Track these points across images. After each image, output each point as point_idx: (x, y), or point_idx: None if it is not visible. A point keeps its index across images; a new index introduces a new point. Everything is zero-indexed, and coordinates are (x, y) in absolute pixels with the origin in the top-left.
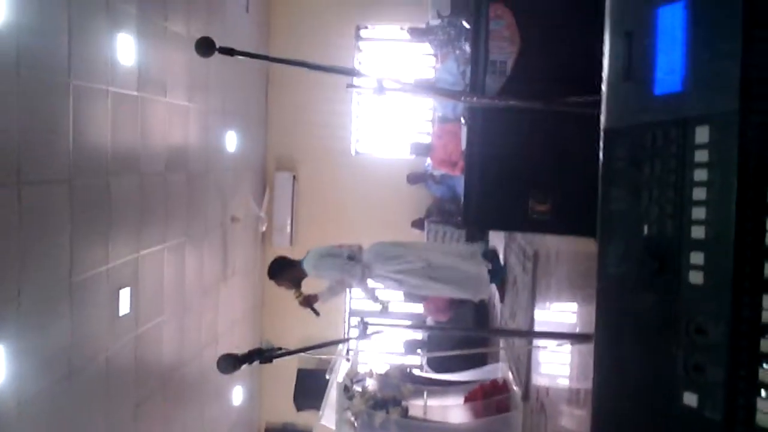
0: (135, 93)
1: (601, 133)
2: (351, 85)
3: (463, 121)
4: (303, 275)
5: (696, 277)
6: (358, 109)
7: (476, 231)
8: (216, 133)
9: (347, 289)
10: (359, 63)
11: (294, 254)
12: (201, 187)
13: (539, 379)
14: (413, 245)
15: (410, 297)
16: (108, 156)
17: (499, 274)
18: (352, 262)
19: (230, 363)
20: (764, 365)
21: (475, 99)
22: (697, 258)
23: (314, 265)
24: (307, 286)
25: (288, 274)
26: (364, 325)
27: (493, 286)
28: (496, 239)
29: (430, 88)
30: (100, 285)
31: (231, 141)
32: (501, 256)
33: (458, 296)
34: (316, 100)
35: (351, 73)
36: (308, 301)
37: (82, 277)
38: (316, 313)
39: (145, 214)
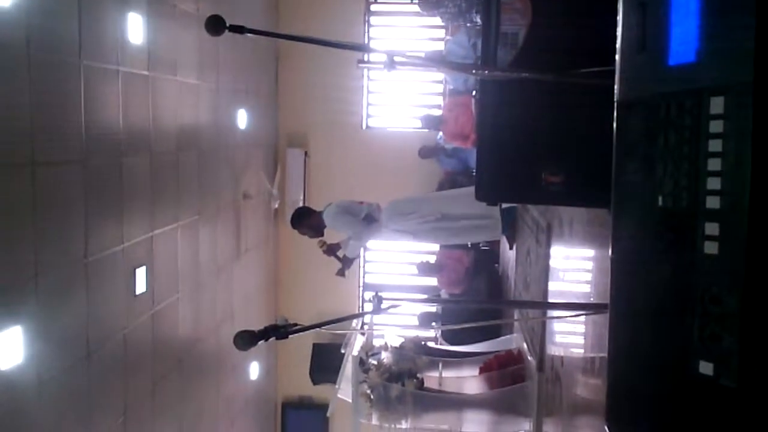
0: (145, 72)
1: (615, 105)
2: (362, 62)
3: (474, 94)
4: (323, 225)
5: (711, 248)
6: (369, 84)
7: (488, 204)
8: (227, 111)
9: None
10: (369, 38)
11: None
12: (213, 166)
13: (554, 349)
14: (426, 198)
15: (424, 270)
16: (120, 136)
17: (510, 216)
18: (366, 224)
19: (247, 339)
20: None
21: (486, 72)
22: (712, 228)
23: (333, 217)
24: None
25: (308, 222)
26: (379, 300)
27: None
28: None
29: (441, 61)
30: (115, 264)
31: (242, 119)
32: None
33: (474, 240)
34: (326, 76)
35: (361, 48)
36: (331, 249)
37: (98, 257)
38: (339, 259)
39: (158, 193)
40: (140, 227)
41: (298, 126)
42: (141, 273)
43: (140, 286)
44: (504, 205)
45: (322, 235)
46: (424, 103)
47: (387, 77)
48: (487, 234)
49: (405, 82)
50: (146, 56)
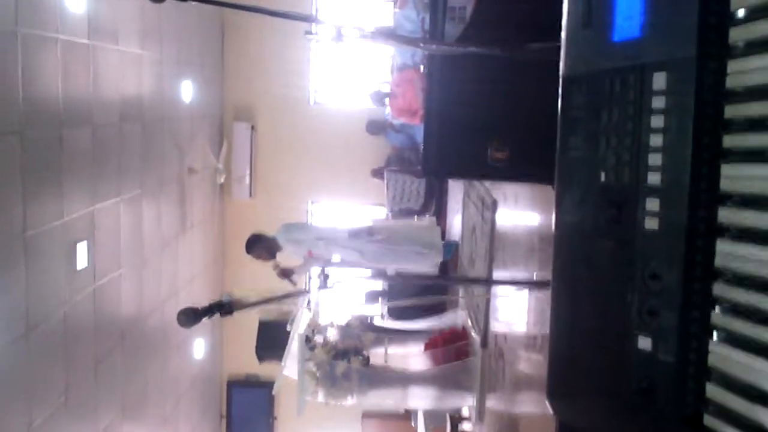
0: (86, 41)
1: (560, 80)
2: (309, 32)
3: (422, 68)
4: (277, 248)
5: (651, 223)
6: (317, 58)
7: (435, 180)
8: (171, 82)
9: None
10: (317, 9)
11: (254, 206)
12: (157, 139)
13: (497, 326)
14: (377, 224)
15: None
16: (60, 107)
17: (451, 248)
18: (315, 239)
19: (190, 316)
20: (716, 309)
21: (434, 46)
22: (652, 204)
23: (285, 238)
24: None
25: (262, 246)
26: (325, 277)
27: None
28: (456, 188)
29: (389, 35)
30: (55, 239)
31: (187, 91)
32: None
33: (415, 267)
34: (273, 48)
35: (308, 19)
36: (285, 273)
37: (37, 231)
38: (293, 283)
39: (100, 166)
40: (81, 201)
41: (245, 99)
42: (82, 248)
43: (81, 261)
44: (445, 240)
45: (275, 257)
46: (372, 78)
47: (335, 51)
48: (428, 262)
49: (353, 56)
50: (86, 24)
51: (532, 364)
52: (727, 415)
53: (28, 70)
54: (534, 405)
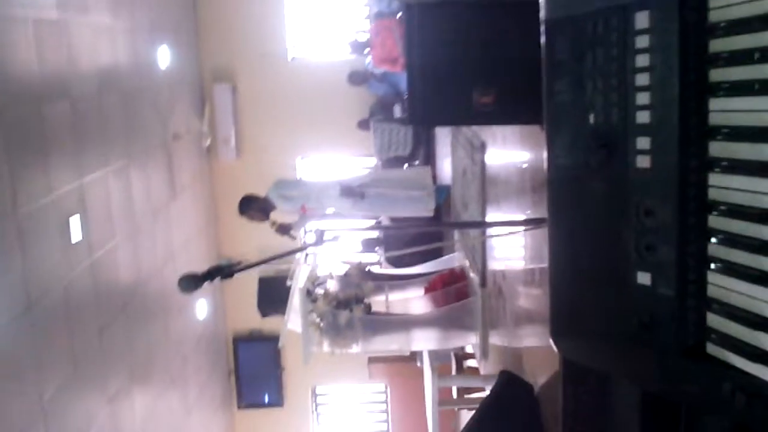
0: (55, 16)
1: (542, 24)
2: None
3: (399, 15)
4: (271, 207)
5: (643, 161)
6: (292, 11)
7: (422, 128)
8: (146, 49)
9: (315, 217)
10: None
11: (242, 166)
12: (138, 108)
13: (495, 264)
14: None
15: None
16: (37, 83)
17: (443, 192)
18: (308, 192)
19: (191, 282)
20: (712, 240)
21: None
22: (643, 142)
23: (276, 193)
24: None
25: (255, 208)
26: (320, 233)
27: None
28: (443, 133)
29: None
30: (47, 215)
31: (164, 57)
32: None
33: (408, 212)
34: (247, 5)
35: None
36: (283, 229)
37: (28, 208)
38: (292, 237)
39: (84, 140)
40: (69, 175)
41: (223, 60)
42: (75, 221)
43: (76, 235)
44: (437, 184)
45: (269, 217)
46: (350, 28)
47: (310, 3)
48: (420, 207)
49: (328, 7)
50: None
51: (531, 298)
52: (729, 342)
53: (2, 48)
54: (536, 338)
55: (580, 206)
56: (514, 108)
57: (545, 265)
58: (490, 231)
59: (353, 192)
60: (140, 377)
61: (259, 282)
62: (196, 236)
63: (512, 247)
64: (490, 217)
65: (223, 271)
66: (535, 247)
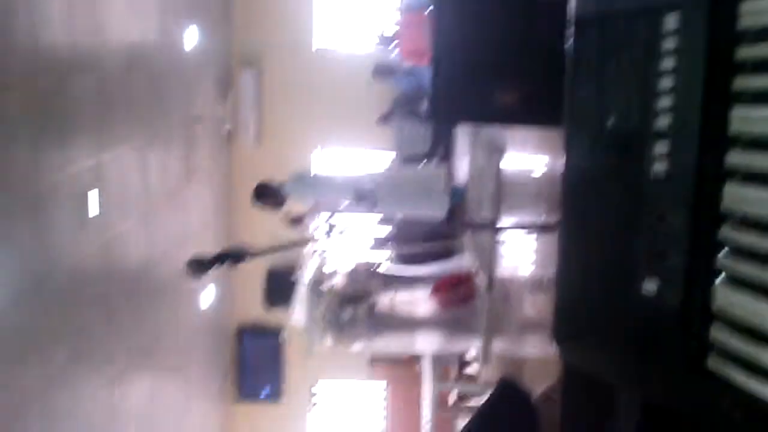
0: None
1: (571, 22)
2: None
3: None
4: (284, 198)
5: (660, 167)
6: (323, 2)
7: (442, 126)
8: (176, 28)
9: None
10: None
11: (261, 153)
12: (163, 87)
13: (503, 269)
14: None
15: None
16: (64, 55)
17: (459, 194)
18: (324, 188)
19: (199, 266)
20: (722, 251)
21: None
22: (661, 147)
23: (293, 187)
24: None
25: (270, 197)
26: (331, 226)
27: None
28: (462, 132)
29: None
30: (63, 190)
31: (193, 37)
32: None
33: (423, 213)
34: None
35: None
36: (295, 221)
37: (46, 181)
38: (305, 230)
39: (105, 116)
40: (88, 151)
41: (251, 45)
42: (93, 196)
43: (93, 210)
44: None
45: (282, 206)
46: (379, 21)
47: None
48: (435, 208)
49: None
50: None
51: (537, 306)
52: (730, 356)
53: (33, 15)
54: (539, 347)
55: (593, 208)
56: (536, 109)
57: (553, 273)
58: (501, 234)
59: (366, 197)
60: (144, 361)
61: (268, 274)
62: (210, 221)
63: (522, 253)
64: (503, 220)
65: (232, 256)
66: (544, 255)
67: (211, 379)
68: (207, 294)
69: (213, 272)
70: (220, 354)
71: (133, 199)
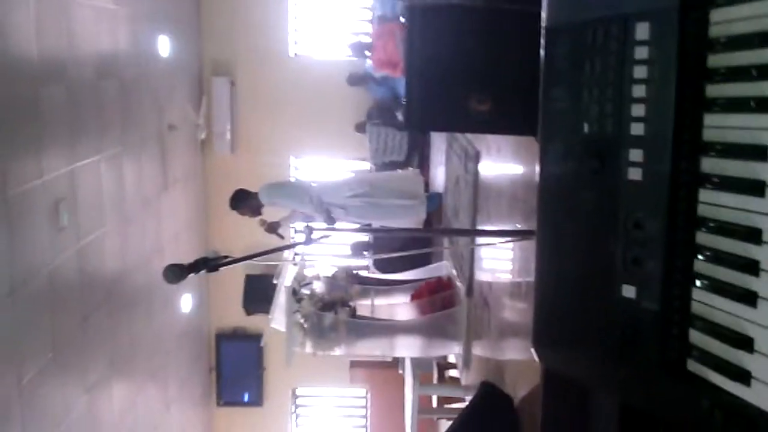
0: None
1: (542, 31)
2: None
3: (402, 19)
4: (261, 205)
5: (635, 174)
6: (295, 9)
7: (418, 132)
8: (147, 37)
9: (301, 215)
10: None
11: (236, 161)
12: (135, 95)
13: (482, 275)
14: (359, 176)
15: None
16: (34, 64)
17: (435, 200)
18: (305, 193)
19: (176, 273)
20: (699, 257)
21: None
22: (636, 155)
23: (268, 194)
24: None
25: (246, 203)
26: (310, 231)
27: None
28: (439, 140)
29: None
30: (37, 198)
31: (164, 46)
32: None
33: (400, 221)
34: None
35: None
36: (272, 227)
37: (17, 190)
38: (281, 237)
39: (78, 125)
40: (61, 160)
41: (223, 53)
42: (64, 206)
43: (63, 220)
44: (429, 191)
45: (261, 214)
46: (352, 30)
47: (314, 2)
48: (412, 215)
49: (332, 6)
50: None
51: (516, 311)
52: (710, 360)
53: (1, 26)
54: (519, 352)
55: (569, 215)
56: (510, 117)
57: (532, 279)
58: (479, 240)
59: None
60: (120, 368)
61: (246, 279)
62: (186, 229)
63: (500, 260)
64: (480, 228)
65: (209, 263)
66: (523, 261)
67: (191, 384)
68: (185, 301)
69: (191, 278)
70: (199, 360)
71: (108, 207)
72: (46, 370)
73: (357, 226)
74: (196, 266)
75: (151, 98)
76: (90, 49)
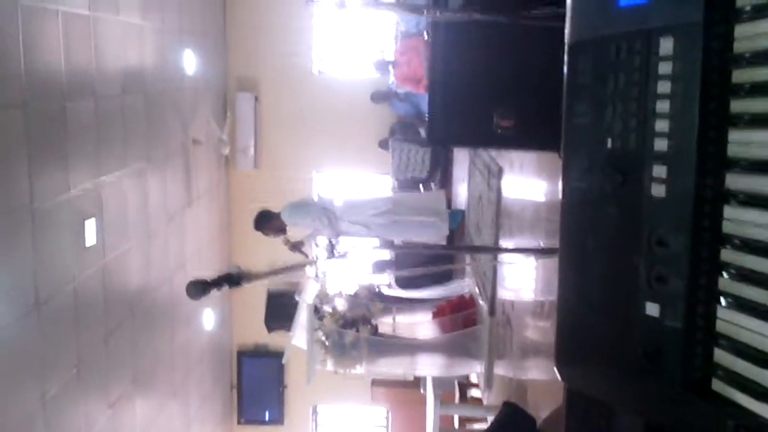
0: (86, 12)
1: (565, 47)
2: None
3: (426, 36)
4: (284, 225)
5: (658, 190)
6: (320, 26)
7: (441, 149)
8: (173, 53)
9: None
10: None
11: (260, 177)
12: (160, 111)
13: (505, 294)
14: (381, 197)
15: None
16: (62, 79)
17: (457, 217)
18: (322, 213)
19: (199, 288)
20: (724, 275)
21: (438, 13)
22: (659, 171)
23: (289, 214)
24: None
25: (270, 224)
26: (332, 247)
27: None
28: (461, 156)
29: (393, 2)
30: (63, 213)
31: (189, 61)
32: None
33: (422, 238)
34: (276, 17)
35: None
36: (296, 247)
37: (44, 205)
38: (306, 255)
39: (104, 139)
40: (87, 174)
41: (248, 69)
42: (90, 224)
43: (90, 238)
44: (451, 208)
45: (285, 233)
46: (376, 47)
47: (338, 19)
48: (434, 232)
49: (356, 24)
50: None
51: (539, 331)
52: (735, 380)
53: (30, 43)
54: (541, 371)
55: (592, 232)
56: (533, 133)
57: (555, 298)
58: (501, 258)
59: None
60: (143, 384)
61: (268, 296)
62: (209, 245)
63: (523, 278)
64: (502, 245)
65: (232, 279)
66: (546, 280)
67: (212, 402)
68: (207, 317)
69: (213, 295)
70: (221, 377)
71: (133, 223)
72: (69, 386)
73: (379, 242)
74: (219, 282)
75: (175, 113)
76: (117, 64)
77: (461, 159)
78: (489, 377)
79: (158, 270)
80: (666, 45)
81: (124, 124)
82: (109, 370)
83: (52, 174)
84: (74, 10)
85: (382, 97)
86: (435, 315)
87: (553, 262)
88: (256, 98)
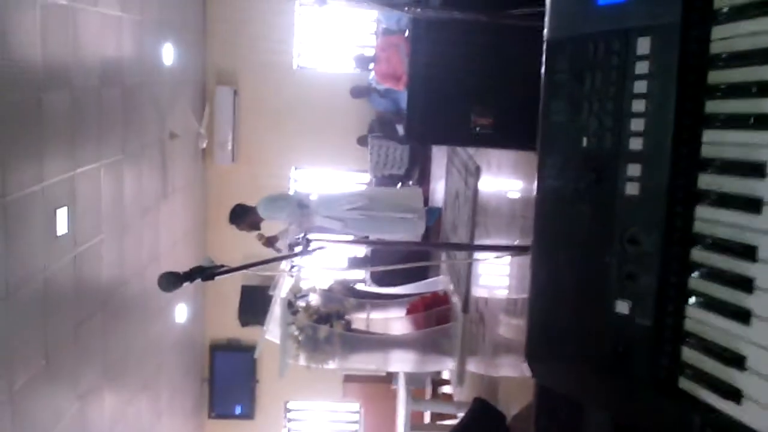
0: (65, 2)
1: (543, 45)
2: None
3: (407, 33)
4: (259, 219)
5: (632, 189)
6: (301, 21)
7: (419, 146)
8: (152, 45)
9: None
10: None
11: (237, 171)
12: (137, 103)
13: (478, 291)
14: (356, 191)
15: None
16: (38, 69)
17: (434, 214)
18: (298, 209)
19: (171, 281)
20: (694, 273)
21: (418, 10)
22: (633, 169)
23: (266, 208)
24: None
25: (245, 219)
26: (307, 242)
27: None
28: (439, 154)
29: None
30: (35, 204)
31: (168, 54)
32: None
33: (398, 234)
34: (256, 11)
35: None
36: (270, 242)
37: (16, 195)
38: (278, 251)
39: (80, 131)
40: (61, 166)
41: (228, 63)
42: (62, 213)
43: (61, 228)
44: (428, 206)
45: (259, 228)
46: (356, 43)
47: (319, 15)
48: (410, 229)
49: (337, 20)
50: None
51: (512, 328)
52: (702, 378)
53: (5, 31)
54: (513, 369)
55: (565, 229)
56: (511, 132)
57: (527, 296)
58: (476, 255)
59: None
60: (113, 377)
61: (242, 290)
62: (184, 238)
63: (497, 276)
64: (478, 243)
65: (205, 272)
66: (519, 277)
67: (183, 395)
68: (180, 311)
69: (186, 288)
70: (192, 371)
71: (107, 214)
72: (37, 377)
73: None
74: (191, 274)
75: (153, 106)
76: (94, 55)
77: (439, 157)
78: (461, 374)
79: (131, 262)
80: (643, 44)
81: (101, 116)
82: (79, 362)
83: (26, 165)
84: (52, 0)
85: (361, 92)
86: (409, 311)
87: (527, 260)
88: (236, 92)
